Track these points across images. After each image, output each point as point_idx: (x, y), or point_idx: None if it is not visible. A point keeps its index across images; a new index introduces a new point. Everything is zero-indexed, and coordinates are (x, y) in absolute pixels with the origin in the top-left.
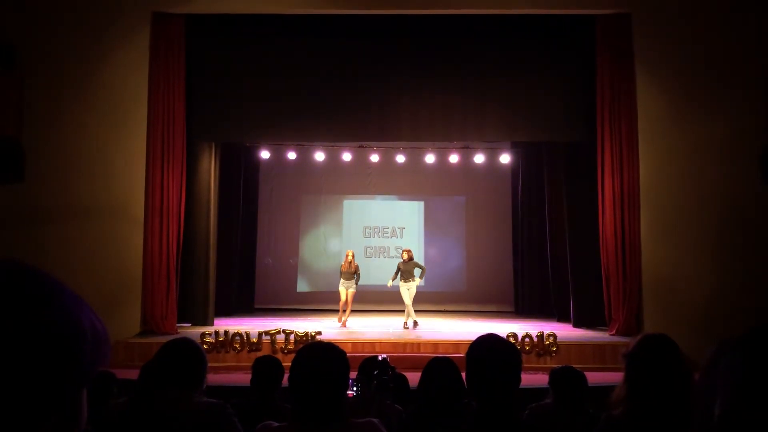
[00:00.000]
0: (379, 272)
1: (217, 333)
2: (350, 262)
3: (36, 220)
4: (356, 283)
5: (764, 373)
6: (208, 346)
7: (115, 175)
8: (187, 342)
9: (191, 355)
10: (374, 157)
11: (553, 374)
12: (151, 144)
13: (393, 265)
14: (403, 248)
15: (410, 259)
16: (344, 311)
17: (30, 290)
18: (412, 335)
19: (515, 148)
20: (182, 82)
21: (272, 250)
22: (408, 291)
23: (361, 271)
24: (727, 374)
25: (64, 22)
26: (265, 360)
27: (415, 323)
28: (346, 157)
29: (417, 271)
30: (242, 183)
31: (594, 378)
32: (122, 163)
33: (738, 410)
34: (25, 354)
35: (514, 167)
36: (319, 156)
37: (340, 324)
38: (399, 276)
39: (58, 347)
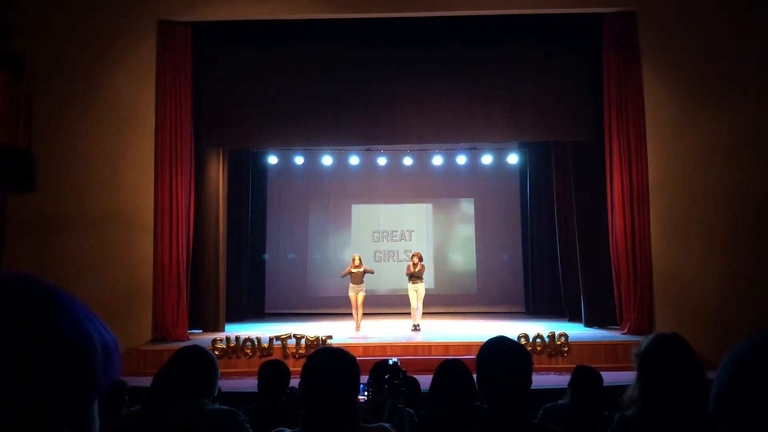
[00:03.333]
0: (389, 276)
1: (228, 339)
2: (357, 266)
3: (47, 229)
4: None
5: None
6: (220, 352)
7: (124, 183)
8: (197, 349)
9: (202, 362)
10: (382, 161)
11: (574, 374)
12: (159, 151)
13: (402, 268)
14: (413, 251)
15: (420, 261)
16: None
17: (39, 304)
18: (422, 338)
19: (523, 148)
20: (189, 90)
21: (281, 256)
22: (416, 293)
23: (371, 276)
24: (734, 383)
25: (72, 33)
26: (270, 365)
27: (416, 327)
28: (354, 161)
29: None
30: (250, 189)
31: (606, 377)
32: (131, 171)
33: (745, 424)
34: (35, 368)
35: (522, 167)
36: (327, 161)
37: (355, 330)
38: (407, 278)
39: (68, 361)
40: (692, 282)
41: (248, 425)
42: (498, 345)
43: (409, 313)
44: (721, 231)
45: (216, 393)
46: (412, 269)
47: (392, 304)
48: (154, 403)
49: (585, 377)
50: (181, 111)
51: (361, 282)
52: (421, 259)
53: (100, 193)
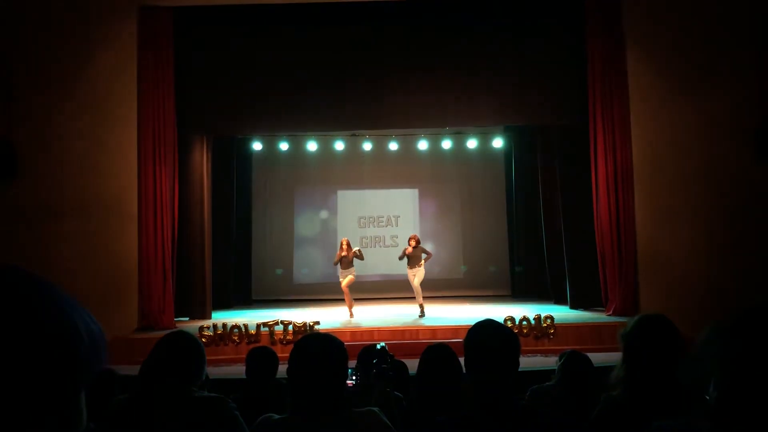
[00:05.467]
0: (376, 261)
1: (215, 326)
2: (346, 251)
3: (30, 218)
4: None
5: (759, 357)
6: (207, 340)
7: (107, 171)
8: (182, 335)
9: (188, 348)
10: (367, 147)
11: (566, 359)
12: (142, 139)
13: (389, 253)
14: (410, 235)
15: (417, 244)
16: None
17: (24, 295)
18: (410, 322)
19: (508, 132)
20: (171, 76)
21: (267, 242)
22: (416, 277)
23: (358, 261)
24: (722, 358)
25: (52, 19)
26: (258, 351)
27: (422, 310)
28: (339, 147)
29: (424, 257)
30: (235, 175)
31: (592, 359)
32: (114, 159)
33: (734, 394)
34: (22, 359)
35: (507, 151)
36: (312, 147)
37: (351, 317)
38: (406, 262)
39: (54, 352)
40: (677, 263)
41: (237, 412)
42: (485, 328)
43: (397, 298)
44: (705, 212)
45: (204, 378)
46: (407, 252)
47: (379, 290)
48: (143, 391)
49: (576, 364)
50: (164, 97)
51: (351, 266)
52: (418, 242)
53: (83, 181)
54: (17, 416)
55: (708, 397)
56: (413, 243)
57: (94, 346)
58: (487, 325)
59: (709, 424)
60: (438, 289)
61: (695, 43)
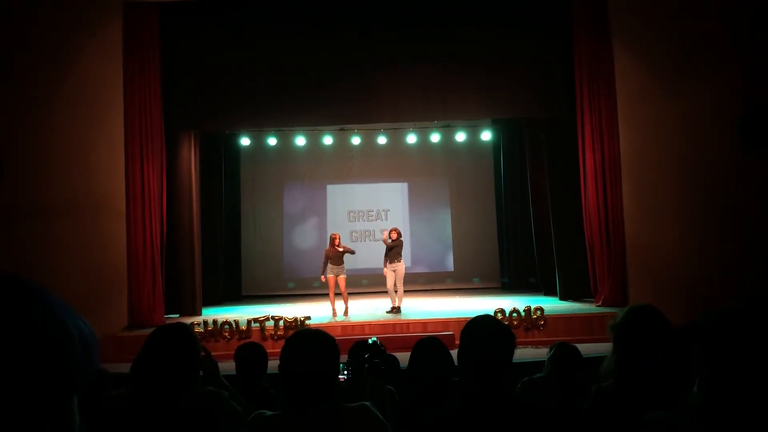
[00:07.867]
0: (366, 256)
1: (205, 323)
2: (336, 246)
3: (17, 217)
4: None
5: (744, 355)
6: (198, 336)
7: (95, 168)
8: (174, 328)
9: (180, 342)
10: (356, 141)
11: (555, 350)
12: (129, 136)
13: (378, 247)
14: (388, 228)
15: (398, 237)
16: (336, 300)
17: (15, 300)
18: (400, 316)
19: (496, 125)
20: (158, 72)
21: (257, 238)
22: (394, 273)
23: (349, 255)
24: (707, 354)
25: (35, 17)
26: (247, 347)
27: (394, 309)
28: (328, 141)
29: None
30: (223, 171)
31: (582, 349)
32: (101, 157)
33: (722, 395)
34: (14, 365)
35: (495, 145)
36: (300, 141)
37: (342, 314)
38: (384, 256)
39: (47, 356)
40: (665, 253)
41: (234, 402)
42: (483, 323)
43: (386, 292)
44: (692, 203)
45: (199, 363)
46: (387, 243)
47: (370, 284)
48: (137, 388)
49: (566, 355)
50: (150, 94)
51: (341, 263)
52: (399, 235)
53: (69, 180)
54: (10, 422)
55: (693, 396)
56: (394, 236)
57: (86, 350)
58: (485, 320)
59: (695, 423)
60: (428, 283)
61: (681, 36)
